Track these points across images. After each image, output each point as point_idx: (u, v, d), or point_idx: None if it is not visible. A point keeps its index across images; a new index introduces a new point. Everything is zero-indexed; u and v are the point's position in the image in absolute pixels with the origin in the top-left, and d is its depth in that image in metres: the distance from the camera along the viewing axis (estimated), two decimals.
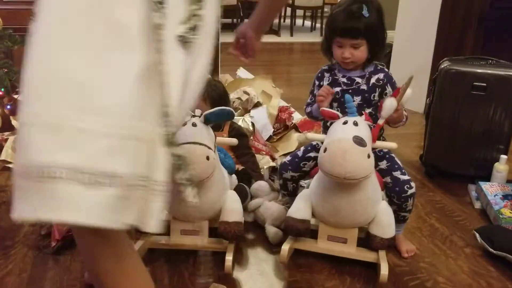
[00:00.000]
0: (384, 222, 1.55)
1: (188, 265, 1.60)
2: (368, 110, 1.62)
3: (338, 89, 1.63)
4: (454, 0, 3.19)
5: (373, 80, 1.62)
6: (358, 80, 1.62)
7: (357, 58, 1.58)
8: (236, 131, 2.01)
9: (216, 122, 1.54)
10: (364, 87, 1.62)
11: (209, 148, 1.44)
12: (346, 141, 1.38)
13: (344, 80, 1.64)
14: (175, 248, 1.62)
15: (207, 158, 1.41)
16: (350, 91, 1.61)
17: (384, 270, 1.50)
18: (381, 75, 1.63)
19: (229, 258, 1.54)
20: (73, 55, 0.73)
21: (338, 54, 1.60)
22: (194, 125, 1.47)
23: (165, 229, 1.64)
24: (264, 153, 2.29)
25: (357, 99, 1.62)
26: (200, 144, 1.42)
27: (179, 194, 1.52)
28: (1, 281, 1.49)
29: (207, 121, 1.50)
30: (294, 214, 1.57)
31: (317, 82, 1.71)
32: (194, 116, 1.52)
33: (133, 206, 0.77)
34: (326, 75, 1.68)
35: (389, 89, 1.62)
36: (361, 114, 1.53)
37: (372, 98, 1.62)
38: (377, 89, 1.62)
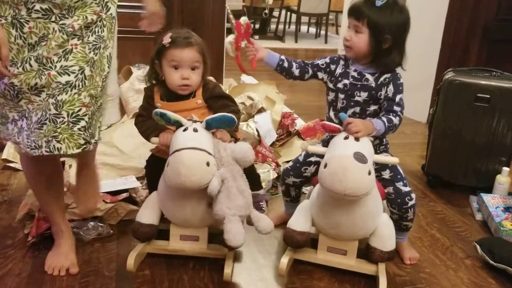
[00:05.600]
0: (385, 235, 1.54)
1: (187, 269, 1.60)
2: (373, 107, 1.61)
3: (347, 81, 1.62)
4: (459, 11, 3.20)
5: (381, 79, 1.60)
6: (368, 76, 1.60)
7: (354, 43, 1.55)
8: (211, 92, 1.63)
9: (217, 128, 1.52)
10: (373, 84, 1.60)
11: (210, 154, 1.44)
12: (347, 158, 1.37)
13: (355, 74, 1.61)
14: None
15: (207, 164, 1.40)
16: (358, 85, 1.60)
17: (383, 285, 1.49)
18: (388, 74, 1.60)
19: (228, 267, 1.53)
20: None
21: (345, 37, 1.59)
22: (195, 130, 1.46)
23: (164, 233, 1.64)
24: (270, 159, 2.29)
25: (364, 95, 1.60)
26: (201, 150, 1.41)
27: (178, 201, 1.52)
28: (1, 281, 1.49)
29: (208, 126, 1.49)
30: (293, 226, 1.56)
31: (328, 61, 1.68)
32: (195, 121, 1.51)
33: None
34: (341, 62, 1.66)
35: (390, 87, 1.58)
36: (365, 111, 1.54)
37: (378, 96, 1.60)
38: (383, 87, 1.59)
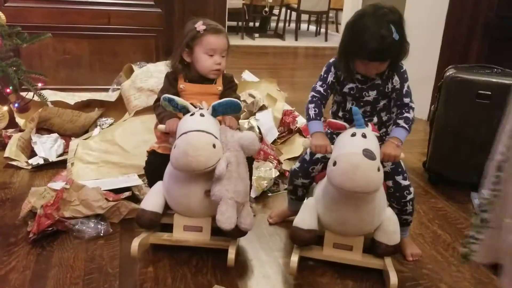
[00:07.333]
0: (390, 229, 1.55)
1: (190, 265, 1.60)
2: (383, 102, 1.61)
3: (352, 85, 1.60)
4: (460, 8, 3.20)
5: (385, 73, 1.59)
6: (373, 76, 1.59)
7: (379, 70, 1.54)
8: (230, 84, 1.75)
9: (224, 113, 1.58)
10: (379, 81, 1.59)
11: (216, 137, 1.49)
12: (356, 155, 1.37)
13: (359, 77, 1.59)
14: (177, 247, 1.63)
15: (214, 146, 1.45)
16: (365, 87, 1.59)
17: (394, 280, 1.50)
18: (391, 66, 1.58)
19: (232, 251, 1.55)
20: None
21: (361, 69, 1.54)
22: (202, 115, 1.52)
23: (167, 228, 1.65)
24: (272, 157, 2.29)
25: (373, 93, 1.59)
26: (207, 132, 1.46)
27: (183, 188, 1.51)
28: (5, 278, 1.49)
29: (214, 112, 1.55)
30: (300, 224, 1.56)
31: (333, 70, 1.63)
32: (201, 108, 1.56)
33: None
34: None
35: (395, 78, 1.58)
36: (375, 108, 1.58)
37: (386, 90, 1.59)
38: (389, 80, 1.59)
